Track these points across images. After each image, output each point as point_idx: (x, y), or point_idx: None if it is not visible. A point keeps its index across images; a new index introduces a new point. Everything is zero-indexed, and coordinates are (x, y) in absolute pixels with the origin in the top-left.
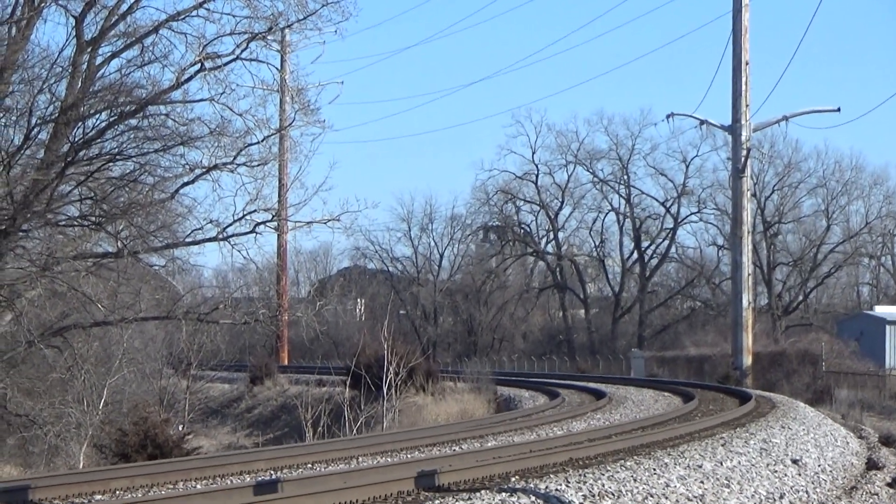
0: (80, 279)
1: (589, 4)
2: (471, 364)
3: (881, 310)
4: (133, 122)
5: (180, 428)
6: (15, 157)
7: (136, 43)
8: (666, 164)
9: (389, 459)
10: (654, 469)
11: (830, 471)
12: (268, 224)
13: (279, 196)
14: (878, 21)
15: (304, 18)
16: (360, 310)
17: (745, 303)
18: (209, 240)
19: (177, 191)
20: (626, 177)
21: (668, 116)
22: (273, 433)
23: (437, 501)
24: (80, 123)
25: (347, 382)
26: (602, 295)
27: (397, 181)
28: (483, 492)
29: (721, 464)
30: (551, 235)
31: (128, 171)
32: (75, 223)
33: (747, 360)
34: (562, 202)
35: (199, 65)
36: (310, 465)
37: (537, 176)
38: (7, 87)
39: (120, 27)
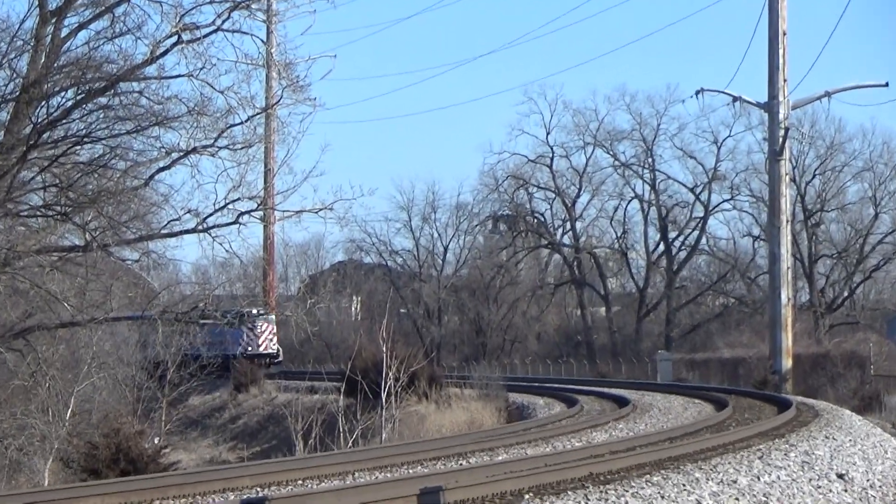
0: (45, 275)
1: None
2: (479, 368)
3: None
4: (102, 100)
5: (156, 441)
6: None
7: (106, 13)
8: (695, 145)
9: (389, 475)
10: (684, 485)
11: (880, 486)
12: (253, 213)
13: (265, 182)
14: None
15: None
16: (356, 309)
17: (783, 299)
18: (187, 231)
19: (151, 177)
20: (650, 160)
21: (697, 93)
22: (259, 446)
23: None
24: (43, 102)
25: (342, 389)
26: (625, 291)
27: (396, 166)
28: None
29: (758, 479)
30: (568, 225)
31: (97, 155)
32: (38, 213)
33: (787, 363)
34: (579, 188)
35: (176, 37)
36: (300, 482)
37: (552, 159)
38: None
39: None
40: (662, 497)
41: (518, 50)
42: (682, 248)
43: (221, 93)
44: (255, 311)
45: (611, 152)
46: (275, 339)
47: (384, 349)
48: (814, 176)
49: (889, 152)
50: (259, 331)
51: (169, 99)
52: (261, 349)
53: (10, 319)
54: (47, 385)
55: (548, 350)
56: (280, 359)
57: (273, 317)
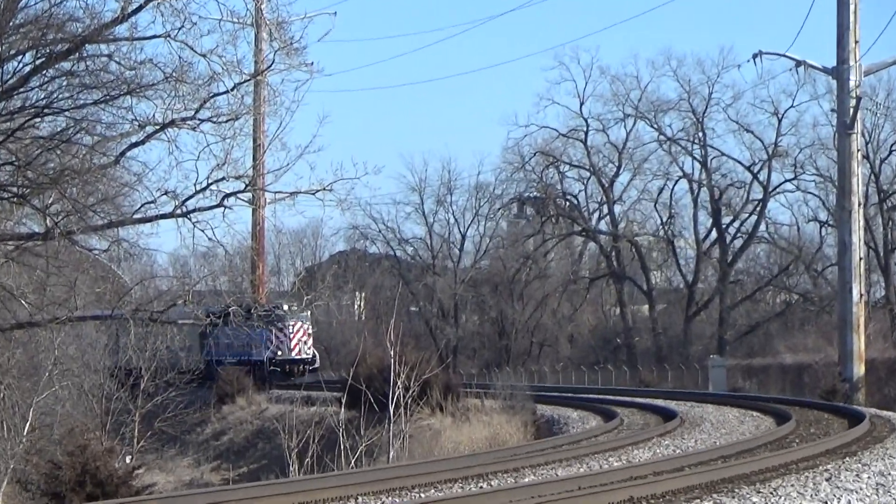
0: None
1: None
2: (502, 376)
3: None
4: (66, 65)
5: (128, 460)
6: None
7: None
8: (752, 117)
9: (397, 500)
10: None
11: None
12: (239, 196)
13: (254, 160)
14: None
15: None
16: (360, 306)
17: (855, 295)
18: (164, 216)
19: (122, 153)
20: (701, 134)
21: (754, 56)
22: (247, 466)
23: None
24: None
25: (343, 401)
26: (671, 286)
27: (406, 141)
28: None
29: None
30: (605, 209)
31: (59, 128)
32: None
33: (858, 370)
34: (619, 167)
35: None
36: None
37: (587, 133)
38: None
39: None
40: None
41: (547, 6)
42: (738, 235)
43: (203, 56)
44: (286, 308)
45: (655, 125)
46: (309, 341)
47: (392, 354)
48: (890, 152)
49: None
50: (291, 332)
51: (143, 64)
52: (293, 354)
53: None
54: (2, 395)
55: (582, 355)
56: (316, 365)
57: (308, 315)
